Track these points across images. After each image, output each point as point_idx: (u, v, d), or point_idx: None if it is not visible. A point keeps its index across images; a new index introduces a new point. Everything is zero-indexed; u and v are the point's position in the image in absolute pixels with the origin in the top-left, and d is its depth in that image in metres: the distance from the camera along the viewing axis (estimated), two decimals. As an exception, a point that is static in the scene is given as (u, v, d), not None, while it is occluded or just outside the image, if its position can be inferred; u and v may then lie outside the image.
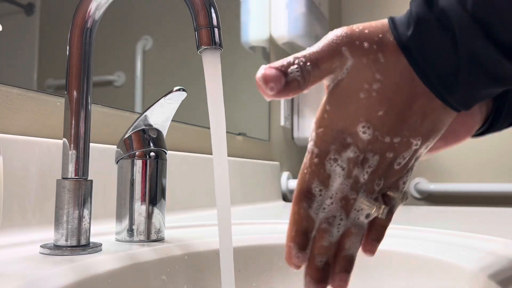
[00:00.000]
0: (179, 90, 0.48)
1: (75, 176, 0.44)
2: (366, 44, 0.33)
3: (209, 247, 0.52)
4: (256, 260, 0.55)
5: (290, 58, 0.34)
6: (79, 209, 0.44)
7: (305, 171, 0.35)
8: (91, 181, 0.46)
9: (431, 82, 0.33)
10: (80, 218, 0.44)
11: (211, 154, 0.40)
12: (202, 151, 0.90)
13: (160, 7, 0.87)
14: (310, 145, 0.35)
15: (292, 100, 1.46)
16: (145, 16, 0.83)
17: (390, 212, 0.37)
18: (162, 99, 0.49)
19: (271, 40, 1.33)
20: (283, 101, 1.39)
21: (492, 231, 0.63)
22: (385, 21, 0.34)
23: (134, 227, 0.50)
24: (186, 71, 0.92)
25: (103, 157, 0.62)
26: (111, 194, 0.59)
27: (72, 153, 0.44)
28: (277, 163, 1.29)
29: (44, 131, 0.58)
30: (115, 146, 0.52)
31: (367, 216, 0.36)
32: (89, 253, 0.43)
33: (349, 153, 0.34)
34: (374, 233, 0.37)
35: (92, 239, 0.46)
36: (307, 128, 1.44)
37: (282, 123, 1.39)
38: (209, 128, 0.40)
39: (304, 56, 0.34)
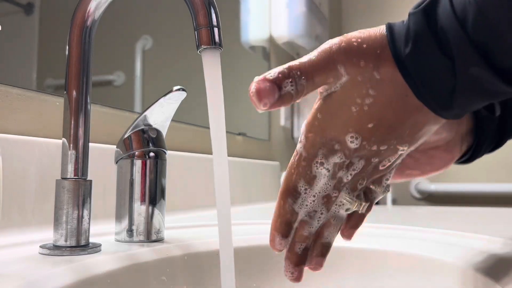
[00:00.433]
0: (179, 90, 0.48)
1: (74, 176, 0.44)
2: (362, 63, 0.33)
3: (209, 247, 0.52)
4: (256, 260, 0.55)
5: (285, 69, 0.34)
6: (79, 209, 0.44)
7: (292, 171, 0.37)
8: (91, 181, 0.46)
9: (427, 100, 0.33)
10: (80, 218, 0.44)
11: (211, 154, 0.40)
12: (202, 151, 0.90)
13: (160, 6, 0.87)
14: (298, 146, 0.37)
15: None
16: (145, 16, 0.83)
17: (371, 204, 0.39)
18: (162, 99, 0.48)
19: (271, 40, 1.33)
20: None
21: (492, 231, 0.63)
22: (383, 30, 0.34)
23: (134, 227, 0.50)
24: (186, 71, 0.91)
25: (102, 157, 0.62)
26: (111, 194, 0.58)
27: (71, 153, 0.44)
28: (277, 163, 1.29)
29: (44, 131, 0.58)
30: (115, 146, 0.52)
31: (347, 210, 0.38)
32: (88, 254, 0.43)
33: (336, 159, 0.35)
34: (353, 221, 0.39)
35: (91, 240, 0.46)
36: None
37: (282, 123, 1.39)
38: (209, 128, 0.40)
39: (299, 68, 0.34)
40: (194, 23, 0.40)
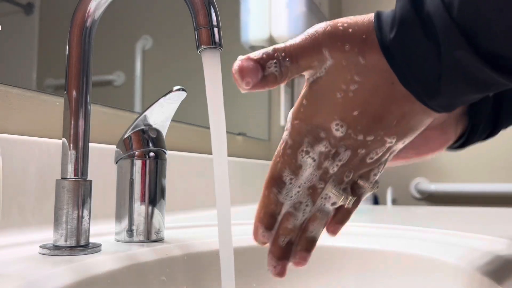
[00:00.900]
0: (178, 90, 0.48)
1: (74, 176, 0.44)
2: (347, 47, 0.33)
3: (209, 247, 0.52)
4: (256, 260, 0.55)
5: (270, 50, 0.33)
6: (79, 209, 0.44)
7: (278, 159, 0.36)
8: (91, 181, 0.46)
9: (412, 86, 0.32)
10: (80, 218, 0.44)
11: (211, 154, 0.40)
12: (202, 151, 0.90)
13: (160, 6, 0.87)
14: (285, 135, 0.36)
15: (292, 100, 1.46)
16: (145, 16, 0.83)
17: (359, 199, 0.38)
18: (162, 99, 0.48)
19: (271, 40, 1.33)
20: (283, 101, 1.39)
21: (492, 231, 0.63)
22: (371, 17, 0.33)
23: (134, 227, 0.50)
24: (186, 71, 0.91)
25: (102, 157, 0.62)
26: (111, 194, 0.58)
27: (71, 153, 0.44)
28: (277, 163, 1.29)
29: (44, 131, 0.58)
30: (115, 146, 0.52)
31: (333, 204, 0.37)
32: (88, 254, 0.43)
33: (321, 147, 0.35)
34: (339, 216, 0.39)
35: (91, 240, 0.46)
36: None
37: (282, 123, 1.39)
38: (209, 128, 0.40)
39: (284, 50, 0.33)
40: (194, 23, 0.40)
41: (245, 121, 1.19)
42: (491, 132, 0.45)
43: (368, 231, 0.61)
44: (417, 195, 1.78)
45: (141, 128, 0.51)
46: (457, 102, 0.34)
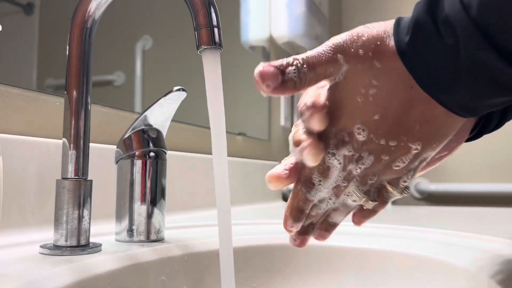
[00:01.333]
0: (179, 90, 0.48)
1: (74, 176, 0.44)
2: (361, 51, 0.34)
3: (209, 247, 0.52)
4: (256, 260, 0.55)
5: (289, 59, 0.35)
6: (79, 209, 0.44)
7: None
8: (91, 181, 0.46)
9: (430, 88, 0.33)
10: (80, 218, 0.44)
11: (211, 154, 0.40)
12: (202, 151, 0.90)
13: (160, 6, 0.87)
14: None
15: (292, 100, 1.46)
16: (145, 16, 0.83)
17: (385, 202, 0.39)
18: (162, 99, 0.48)
19: (271, 40, 1.33)
20: (283, 101, 1.39)
21: (492, 231, 0.63)
22: (390, 23, 0.34)
23: (134, 227, 0.50)
24: (186, 71, 0.91)
25: (102, 157, 0.62)
26: (111, 194, 0.58)
27: (71, 153, 0.44)
28: (277, 163, 1.29)
29: (44, 131, 0.58)
30: (115, 146, 0.52)
31: (354, 201, 0.39)
32: (88, 253, 0.43)
33: (345, 151, 0.36)
34: (366, 212, 0.41)
35: (91, 239, 0.46)
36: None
37: (282, 123, 1.39)
38: (209, 128, 0.40)
39: (302, 59, 0.35)
40: (194, 23, 0.40)
41: (245, 121, 1.19)
42: (498, 123, 0.44)
43: (368, 231, 0.61)
44: (417, 195, 1.78)
45: (141, 128, 0.51)
46: (482, 106, 0.33)
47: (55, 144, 0.56)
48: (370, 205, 0.38)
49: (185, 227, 0.65)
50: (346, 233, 0.57)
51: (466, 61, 0.30)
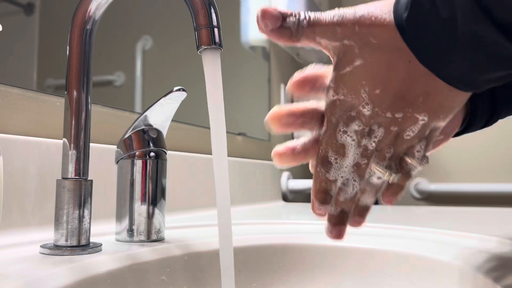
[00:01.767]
0: (179, 90, 0.48)
1: (75, 176, 0.44)
2: (356, 28, 0.35)
3: (209, 247, 0.52)
4: (256, 260, 0.55)
5: (295, 11, 0.37)
6: (79, 209, 0.44)
7: (321, 142, 0.39)
8: (91, 181, 0.46)
9: (426, 60, 0.33)
10: (80, 218, 0.44)
11: (211, 154, 0.40)
12: (202, 151, 0.90)
13: (160, 6, 0.87)
14: (324, 121, 0.39)
15: (292, 100, 1.46)
16: (145, 16, 0.83)
17: (408, 174, 0.40)
18: (162, 99, 0.48)
19: (271, 40, 1.33)
20: (283, 101, 1.39)
21: (492, 231, 0.63)
22: (390, 2, 0.35)
23: (134, 227, 0.50)
24: (186, 71, 0.92)
25: (103, 157, 0.62)
26: (111, 194, 0.58)
27: (72, 153, 0.44)
28: (277, 163, 1.29)
29: (44, 131, 0.58)
30: (115, 146, 0.52)
31: (379, 178, 0.40)
32: (89, 253, 0.43)
33: (355, 126, 0.37)
34: (392, 189, 0.41)
35: (92, 239, 0.46)
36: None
37: (282, 123, 1.39)
38: (209, 128, 0.40)
39: (305, 15, 0.37)
40: (194, 23, 0.40)
41: (245, 121, 1.19)
42: (488, 120, 0.44)
43: (368, 231, 0.62)
44: (417, 195, 1.78)
45: (141, 128, 0.51)
46: (480, 80, 0.34)
47: (55, 144, 0.56)
48: (395, 178, 0.39)
49: (185, 227, 0.65)
50: (346, 233, 0.57)
51: (463, 35, 0.31)
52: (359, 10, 0.35)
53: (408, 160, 0.39)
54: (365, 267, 0.54)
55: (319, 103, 0.40)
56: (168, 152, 0.54)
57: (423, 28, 0.32)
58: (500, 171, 1.68)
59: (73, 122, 0.44)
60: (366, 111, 0.36)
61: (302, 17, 0.36)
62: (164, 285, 0.47)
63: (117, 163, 0.52)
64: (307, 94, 0.41)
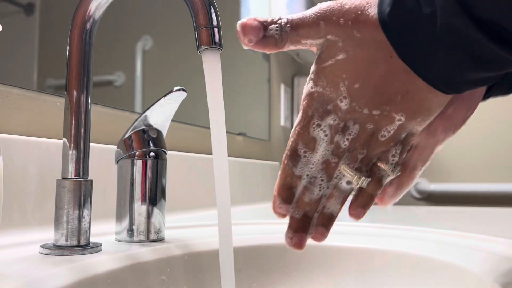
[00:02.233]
0: (179, 90, 0.48)
1: (75, 176, 0.44)
2: (341, 20, 0.35)
3: (209, 247, 0.52)
4: (256, 260, 0.55)
5: (275, 17, 0.36)
6: (79, 209, 0.44)
7: (293, 134, 0.38)
8: (91, 181, 0.46)
9: (406, 56, 0.33)
10: (80, 218, 0.44)
11: (211, 154, 0.40)
12: (202, 151, 0.90)
13: (160, 6, 0.87)
14: (300, 112, 0.38)
15: (292, 100, 1.46)
16: (145, 16, 0.83)
17: (379, 182, 0.38)
18: (162, 99, 0.48)
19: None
20: (283, 101, 1.39)
21: (492, 231, 0.63)
22: None
23: (134, 227, 0.50)
24: (186, 71, 0.92)
25: (103, 157, 0.62)
26: (111, 194, 0.59)
27: (72, 153, 0.44)
28: (277, 163, 1.29)
29: (44, 131, 0.58)
30: (115, 146, 0.52)
31: (348, 183, 0.38)
32: (89, 253, 0.43)
33: (330, 120, 0.37)
34: (361, 199, 0.39)
35: (92, 239, 0.46)
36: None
37: (282, 123, 1.39)
38: (209, 128, 0.40)
39: (287, 19, 0.36)
40: (194, 23, 0.40)
41: (245, 121, 1.19)
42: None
43: (368, 231, 0.62)
44: (417, 195, 1.78)
45: (141, 128, 0.51)
46: (461, 81, 0.33)
47: (55, 144, 0.56)
48: (364, 182, 0.37)
49: (185, 227, 0.65)
50: (346, 233, 0.57)
51: (442, 29, 0.31)
52: (345, 3, 0.35)
53: (381, 165, 0.38)
54: (365, 267, 0.54)
55: None
56: (168, 152, 0.54)
57: (405, 23, 0.32)
58: (500, 171, 1.68)
59: (73, 122, 0.44)
60: (344, 105, 0.36)
61: (284, 22, 0.36)
62: (164, 285, 0.47)
63: (117, 163, 0.52)
64: None
